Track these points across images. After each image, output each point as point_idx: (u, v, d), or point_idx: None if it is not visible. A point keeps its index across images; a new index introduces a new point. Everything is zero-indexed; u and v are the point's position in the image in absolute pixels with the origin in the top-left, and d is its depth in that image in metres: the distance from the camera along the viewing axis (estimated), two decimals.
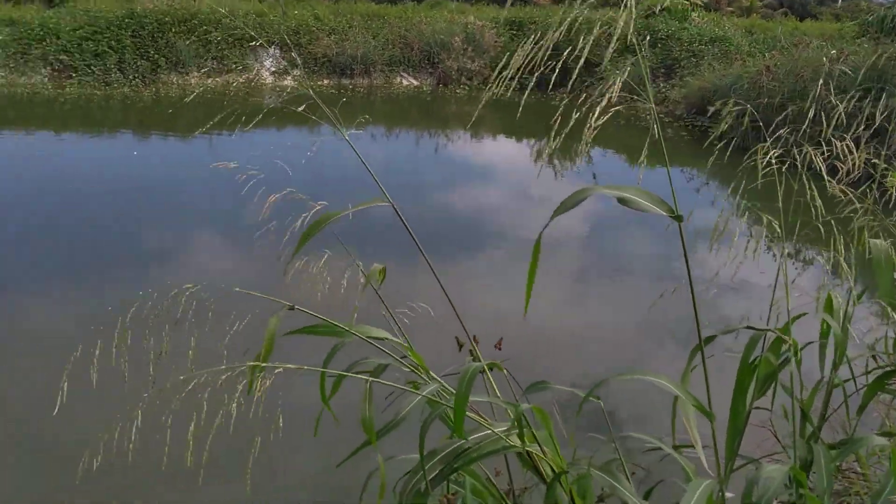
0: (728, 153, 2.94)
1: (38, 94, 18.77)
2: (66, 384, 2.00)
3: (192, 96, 19.26)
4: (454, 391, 1.86)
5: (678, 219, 1.88)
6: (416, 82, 22.96)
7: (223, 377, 1.78)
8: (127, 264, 8.78)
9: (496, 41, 23.38)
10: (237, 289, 2.22)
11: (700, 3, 25.37)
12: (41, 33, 19.73)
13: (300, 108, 2.44)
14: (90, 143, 15.58)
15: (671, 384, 2.06)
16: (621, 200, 1.83)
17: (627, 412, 5.76)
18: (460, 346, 2.40)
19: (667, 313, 7.28)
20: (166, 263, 8.93)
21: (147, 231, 10.08)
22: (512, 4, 33.77)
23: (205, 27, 21.13)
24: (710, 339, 2.34)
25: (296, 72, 22.30)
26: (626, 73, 2.06)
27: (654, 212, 1.86)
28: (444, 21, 23.76)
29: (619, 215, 10.83)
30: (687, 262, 2.15)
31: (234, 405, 1.76)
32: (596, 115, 1.93)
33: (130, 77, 19.96)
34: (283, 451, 4.87)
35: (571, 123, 1.93)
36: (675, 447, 2.40)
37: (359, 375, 2.03)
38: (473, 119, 18.22)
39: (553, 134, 1.99)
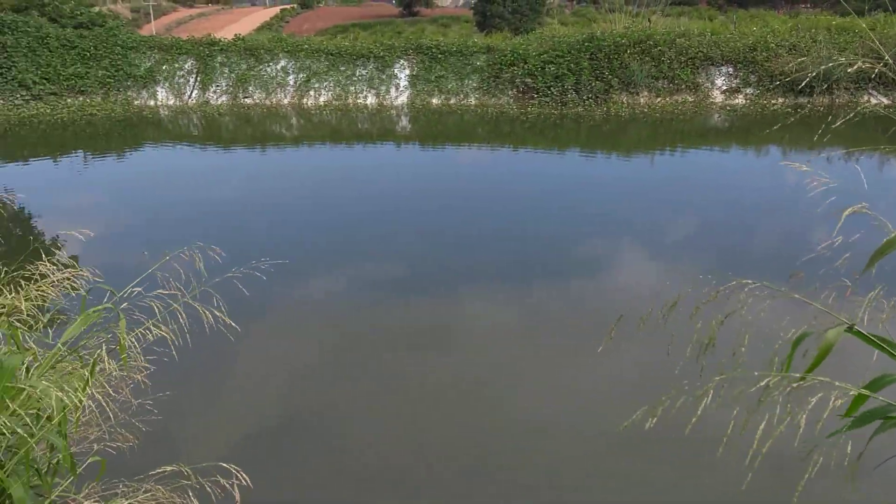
0: None
1: (504, 113, 20.89)
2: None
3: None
4: None
5: None
6: (886, 100, 20.48)
7: (766, 382, 1.75)
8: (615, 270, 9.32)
9: None
10: (796, 296, 2.17)
11: None
12: (512, 58, 21.94)
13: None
14: (541, 157, 16.85)
15: None
16: None
17: None
18: None
19: None
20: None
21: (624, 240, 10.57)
22: None
23: (659, 48, 21.45)
24: None
25: (748, 90, 21.45)
26: None
27: None
28: None
29: None
30: None
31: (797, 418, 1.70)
32: None
33: (584, 97, 21.14)
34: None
35: None
36: None
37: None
38: None
39: None
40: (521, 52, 22.00)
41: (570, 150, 17.72)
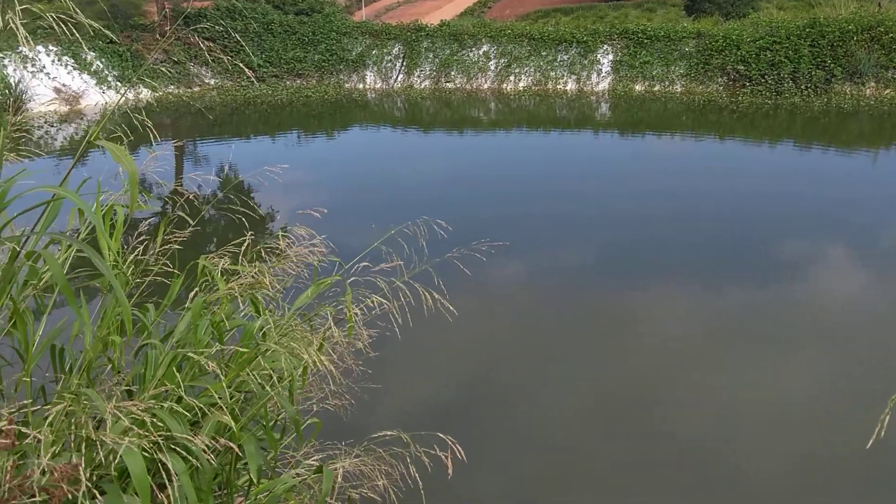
0: None
1: (712, 101, 19.93)
2: None
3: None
4: None
5: None
6: None
7: None
8: None
9: None
10: None
11: None
12: (723, 44, 20.86)
13: None
14: (750, 150, 15.91)
15: None
16: None
17: None
18: None
19: None
20: None
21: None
22: None
23: (890, 35, 19.53)
24: None
25: None
26: None
27: None
28: None
29: None
30: None
31: None
32: None
33: (802, 87, 19.72)
34: None
35: None
36: None
37: None
38: None
39: None
40: (733, 37, 20.85)
41: (783, 143, 16.61)
